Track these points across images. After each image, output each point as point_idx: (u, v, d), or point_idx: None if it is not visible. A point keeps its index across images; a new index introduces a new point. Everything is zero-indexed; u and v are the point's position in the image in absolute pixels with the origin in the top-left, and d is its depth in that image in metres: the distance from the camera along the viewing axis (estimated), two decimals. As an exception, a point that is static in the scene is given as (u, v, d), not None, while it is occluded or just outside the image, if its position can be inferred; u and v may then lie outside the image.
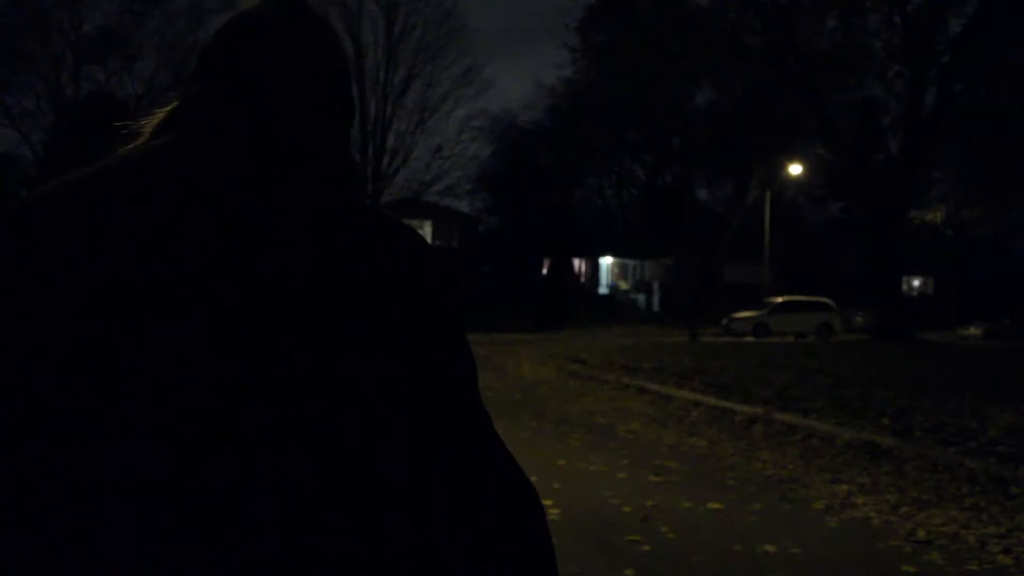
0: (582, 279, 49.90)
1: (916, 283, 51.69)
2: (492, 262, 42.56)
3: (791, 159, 38.57)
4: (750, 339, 31.78)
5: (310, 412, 0.79)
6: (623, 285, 53.63)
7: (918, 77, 23.76)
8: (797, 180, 42.54)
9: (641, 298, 52.05)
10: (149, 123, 0.92)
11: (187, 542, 0.75)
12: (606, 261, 53.51)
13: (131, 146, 0.91)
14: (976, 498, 6.28)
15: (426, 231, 43.17)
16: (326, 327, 0.81)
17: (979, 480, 6.86)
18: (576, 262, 48.11)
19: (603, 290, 52.63)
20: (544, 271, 44.39)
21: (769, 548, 4.87)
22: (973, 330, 37.56)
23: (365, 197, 0.95)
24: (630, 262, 53.95)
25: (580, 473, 6.75)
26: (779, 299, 35.82)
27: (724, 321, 35.05)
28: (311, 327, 0.80)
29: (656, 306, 50.41)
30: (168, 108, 0.92)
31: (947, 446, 8.20)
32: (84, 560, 0.74)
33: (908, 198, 26.25)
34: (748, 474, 7.13)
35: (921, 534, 5.30)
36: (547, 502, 5.72)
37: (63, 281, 0.79)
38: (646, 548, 4.82)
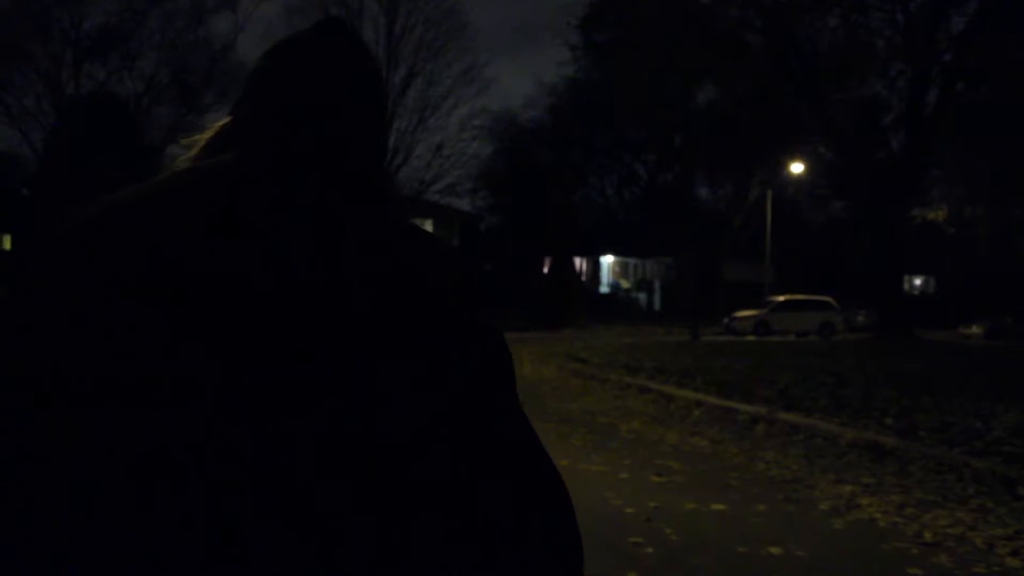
0: (583, 278, 49.84)
1: (917, 282, 51.65)
2: (493, 261, 42.50)
3: (792, 158, 38.50)
4: (751, 338, 31.72)
5: (344, 415, 0.81)
6: (624, 284, 53.60)
7: (920, 75, 23.68)
8: (798, 179, 42.49)
9: (642, 297, 52.02)
10: (204, 136, 0.99)
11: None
12: (607, 260, 53.47)
13: (195, 160, 0.97)
14: (983, 499, 6.21)
15: (427, 230, 43.03)
16: (387, 338, 0.84)
17: (985, 480, 6.79)
18: (577, 261, 48.02)
19: (604, 289, 52.60)
20: (545, 270, 44.33)
21: (774, 550, 4.81)
22: (975, 329, 37.44)
23: (394, 207, 1.02)
24: (631, 261, 53.92)
25: (582, 473, 6.68)
26: (780, 298, 35.76)
27: (725, 320, 35.00)
28: (377, 338, 0.84)
29: (657, 305, 50.35)
30: (220, 124, 0.99)
31: (952, 446, 8.13)
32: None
33: (910, 196, 26.18)
34: (751, 474, 7.06)
35: (928, 536, 5.23)
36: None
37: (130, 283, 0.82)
38: (649, 550, 4.76)
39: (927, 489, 6.55)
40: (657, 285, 52.00)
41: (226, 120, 0.99)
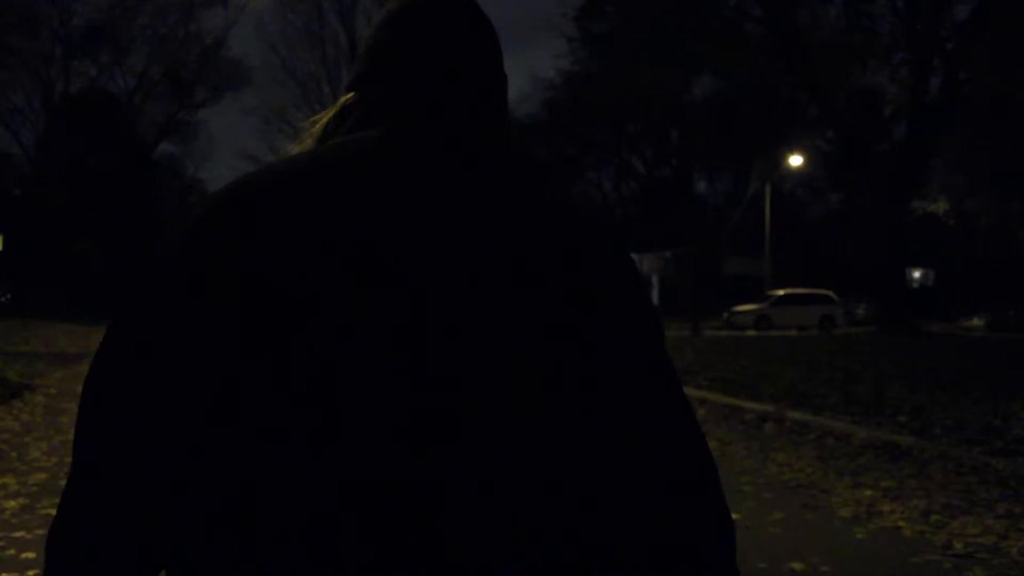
0: (581, 273, 49.53)
1: (916, 275, 51.35)
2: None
3: (791, 151, 38.19)
4: (752, 332, 31.42)
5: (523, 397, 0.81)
6: (622, 279, 53.26)
7: (923, 63, 23.31)
8: (796, 172, 42.19)
9: (640, 292, 51.63)
10: (327, 115, 0.98)
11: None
12: (605, 255, 53.10)
13: (319, 140, 0.97)
14: (1010, 503, 5.86)
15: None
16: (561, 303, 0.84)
17: (1009, 483, 6.45)
18: (575, 256, 47.75)
19: (602, 284, 52.24)
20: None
21: (796, 565, 4.45)
22: (976, 321, 37.20)
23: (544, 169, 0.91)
24: (629, 256, 53.59)
25: (586, 480, 6.33)
26: (781, 292, 35.48)
27: (725, 314, 34.68)
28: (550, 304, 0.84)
29: (656, 300, 50.07)
30: (344, 100, 0.97)
31: (971, 445, 7.79)
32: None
33: (913, 187, 25.85)
34: (764, 478, 6.71)
35: (958, 546, 4.88)
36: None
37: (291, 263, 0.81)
38: (661, 566, 4.39)
39: (950, 493, 6.20)
40: (655, 280, 51.72)
41: (348, 96, 0.97)
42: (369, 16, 38.95)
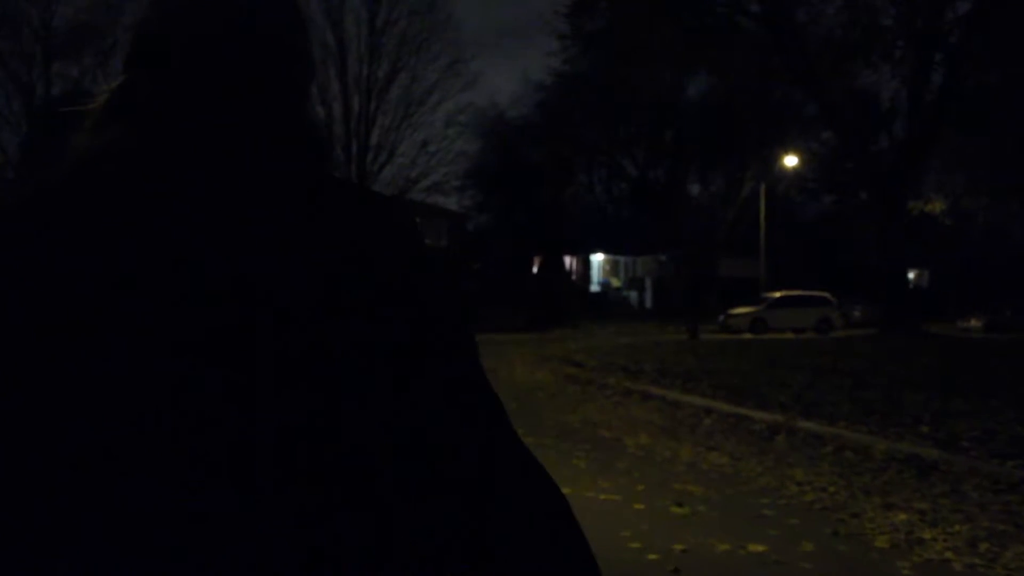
0: (573, 276, 49.07)
1: (911, 275, 50.94)
2: (481, 260, 41.54)
3: (786, 151, 37.72)
4: (748, 336, 30.88)
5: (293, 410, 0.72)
6: (615, 282, 52.83)
7: (925, 58, 22.81)
8: (790, 173, 41.76)
9: (633, 295, 51.27)
10: (98, 103, 0.85)
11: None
12: (597, 258, 52.67)
13: (92, 135, 0.84)
14: (1063, 528, 5.27)
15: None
16: (315, 318, 0.74)
17: (1055, 503, 5.86)
18: (567, 259, 47.24)
19: (595, 287, 51.79)
20: (535, 269, 43.48)
21: (840, 612, 3.84)
22: (974, 322, 36.75)
23: (331, 165, 0.88)
24: (621, 258, 53.12)
25: (590, 505, 5.70)
26: (777, 294, 34.96)
27: (721, 317, 34.14)
28: (301, 320, 0.74)
29: (649, 303, 49.63)
30: (115, 85, 0.85)
31: (1003, 459, 7.20)
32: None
33: (913, 185, 25.36)
34: (785, 500, 6.10)
35: (1019, 584, 4.28)
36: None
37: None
38: (684, 615, 3.78)
39: (993, 515, 5.60)
40: (648, 283, 51.27)
41: (122, 80, 0.84)
42: (357, 16, 38.37)
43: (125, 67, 0.85)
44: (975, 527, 5.32)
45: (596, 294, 50.13)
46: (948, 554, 4.78)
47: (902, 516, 5.59)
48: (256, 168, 0.78)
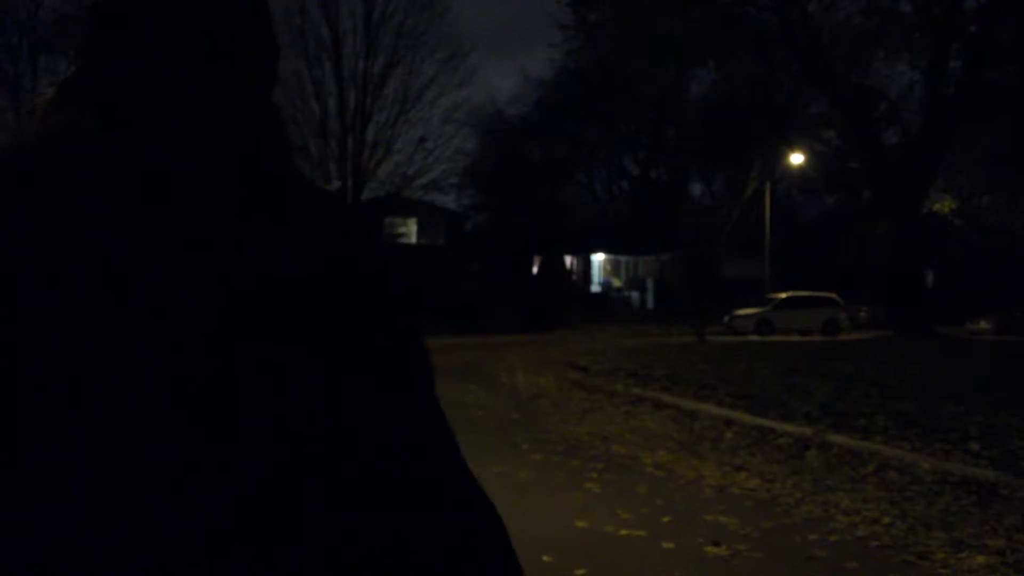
0: (574, 277, 48.25)
1: (916, 276, 50.16)
2: (480, 260, 40.68)
3: (792, 149, 36.93)
4: (754, 337, 30.09)
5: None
6: (616, 282, 51.96)
7: (943, 49, 21.95)
8: (794, 172, 41.01)
9: (635, 296, 50.39)
10: (44, 97, 0.81)
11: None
12: (598, 258, 51.80)
13: (42, 123, 0.80)
14: None
15: (410, 229, 41.29)
16: (265, 323, 0.72)
17: None
18: (567, 259, 46.42)
19: (595, 288, 50.94)
20: (535, 269, 42.66)
21: None
22: (983, 324, 36.00)
23: (291, 159, 0.83)
24: (623, 258, 52.24)
25: (611, 544, 4.84)
26: (783, 295, 34.22)
27: (726, 318, 33.35)
28: (251, 323, 0.72)
29: (650, 304, 48.75)
30: (66, 76, 0.82)
31: (1072, 482, 6.36)
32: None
33: (929, 183, 24.51)
34: (836, 534, 5.25)
35: None
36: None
37: None
38: None
39: (1084, 556, 4.75)
40: (650, 283, 50.41)
41: (76, 67, 0.81)
42: (353, 10, 37.50)
43: (79, 53, 0.80)
44: (1069, 573, 4.48)
45: (597, 294, 49.28)
46: (1052, 613, 3.94)
47: (979, 558, 4.74)
48: (216, 154, 0.76)
